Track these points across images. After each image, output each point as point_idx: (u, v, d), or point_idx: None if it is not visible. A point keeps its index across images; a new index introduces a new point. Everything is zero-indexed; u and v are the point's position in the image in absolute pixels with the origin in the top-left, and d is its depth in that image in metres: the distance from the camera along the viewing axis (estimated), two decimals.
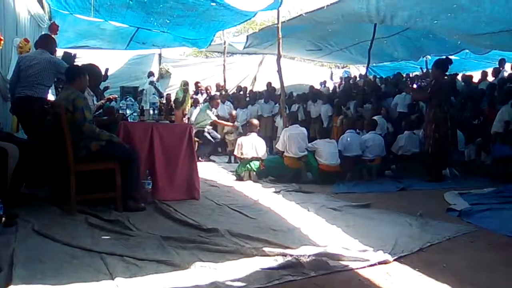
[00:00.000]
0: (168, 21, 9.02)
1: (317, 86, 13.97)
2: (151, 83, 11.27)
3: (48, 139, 4.24)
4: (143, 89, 11.04)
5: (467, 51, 11.31)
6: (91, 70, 4.72)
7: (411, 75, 14.46)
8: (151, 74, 11.41)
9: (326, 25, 10.61)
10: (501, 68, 10.39)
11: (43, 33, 6.74)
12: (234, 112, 9.56)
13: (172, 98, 11.90)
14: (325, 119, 9.79)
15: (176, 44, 11.79)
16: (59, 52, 8.19)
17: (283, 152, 6.53)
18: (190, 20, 9.18)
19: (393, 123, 8.41)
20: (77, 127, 3.91)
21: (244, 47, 12.28)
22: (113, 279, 2.45)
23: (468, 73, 11.03)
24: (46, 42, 5.12)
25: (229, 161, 8.76)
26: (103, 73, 5.48)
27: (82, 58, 10.24)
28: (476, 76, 10.68)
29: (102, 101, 5.25)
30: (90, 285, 2.38)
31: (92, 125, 4.00)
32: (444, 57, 6.99)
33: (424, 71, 13.56)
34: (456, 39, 9.15)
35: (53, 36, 6.56)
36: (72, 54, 6.29)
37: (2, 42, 4.72)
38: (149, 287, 2.37)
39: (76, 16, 9.06)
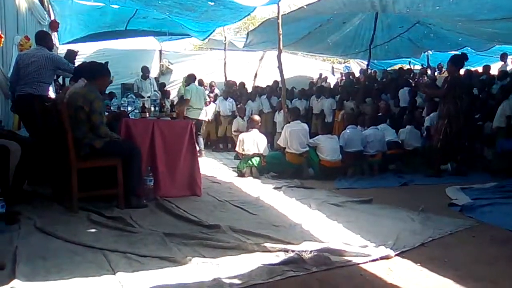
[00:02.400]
0: (167, 13, 8.97)
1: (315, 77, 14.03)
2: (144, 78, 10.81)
3: (50, 136, 4.25)
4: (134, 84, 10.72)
5: (468, 48, 11.27)
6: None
7: (412, 67, 14.46)
8: (145, 70, 10.89)
9: (326, 38, 10.62)
10: (503, 63, 10.37)
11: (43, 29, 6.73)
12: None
13: (173, 94, 11.86)
14: (329, 114, 9.76)
15: (177, 29, 11.55)
16: (63, 49, 8.17)
17: (285, 148, 6.52)
18: (188, 19, 9.17)
19: (391, 118, 8.39)
20: (91, 127, 3.94)
21: (245, 45, 12.24)
22: (115, 275, 2.46)
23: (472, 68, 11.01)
24: (43, 38, 5.11)
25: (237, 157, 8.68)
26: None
27: (84, 55, 10.26)
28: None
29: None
30: (93, 280, 2.39)
31: (107, 128, 4.04)
32: (459, 52, 6.95)
33: (425, 67, 13.55)
34: (457, 28, 9.08)
35: (54, 33, 6.56)
36: (75, 51, 6.28)
37: (2, 39, 4.71)
38: (151, 283, 2.38)
39: (77, 1, 8.94)
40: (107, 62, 5.90)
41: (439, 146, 6.32)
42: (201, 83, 11.86)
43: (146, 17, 10.73)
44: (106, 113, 4.81)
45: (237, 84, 12.17)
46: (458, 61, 6.46)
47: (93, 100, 3.94)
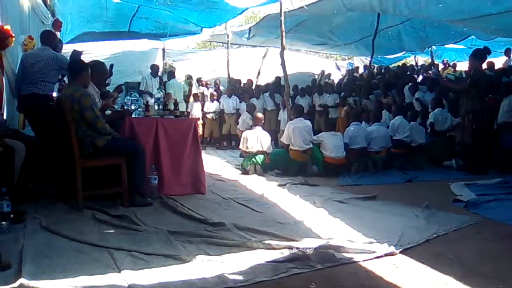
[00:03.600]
0: (169, 3, 9.00)
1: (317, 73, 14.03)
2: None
3: (54, 136, 4.26)
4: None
5: (473, 37, 11.22)
6: (97, 66, 4.71)
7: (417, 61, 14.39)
8: (156, 68, 10.97)
9: (330, 19, 10.56)
10: (507, 58, 10.32)
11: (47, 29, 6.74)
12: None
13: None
14: (332, 110, 9.74)
15: (179, 25, 11.58)
16: (69, 49, 8.17)
17: (288, 145, 6.51)
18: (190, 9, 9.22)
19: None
20: (89, 125, 3.94)
21: (248, 39, 12.24)
22: (120, 273, 2.48)
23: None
24: (48, 38, 5.12)
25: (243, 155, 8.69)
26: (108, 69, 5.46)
27: (90, 54, 10.25)
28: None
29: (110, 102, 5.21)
30: (98, 278, 2.41)
31: (104, 122, 4.03)
32: (482, 47, 6.80)
33: (430, 61, 13.49)
34: (461, 26, 9.02)
35: (57, 32, 6.57)
36: (80, 52, 6.29)
37: (13, 39, 4.71)
38: (156, 281, 2.40)
39: None
40: (112, 65, 5.93)
41: (471, 143, 6.22)
42: (200, 82, 11.95)
43: (148, 17, 10.73)
44: (110, 112, 4.83)
45: (245, 82, 12.25)
46: (481, 54, 6.37)
47: (80, 98, 3.91)
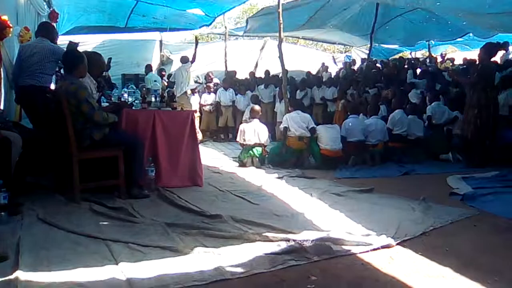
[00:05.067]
0: None
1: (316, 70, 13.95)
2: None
3: (52, 128, 4.24)
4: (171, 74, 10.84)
5: (471, 34, 11.21)
6: (94, 58, 4.68)
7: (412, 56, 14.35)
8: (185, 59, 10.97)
9: (327, 19, 10.57)
10: (505, 52, 10.30)
11: (43, 20, 6.69)
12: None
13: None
14: (331, 103, 9.74)
15: (178, 23, 11.53)
16: (62, 40, 8.13)
17: (286, 137, 6.48)
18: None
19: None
20: (86, 118, 3.92)
21: (244, 32, 12.20)
22: (117, 265, 2.48)
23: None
24: (46, 30, 5.09)
25: None
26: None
27: (86, 45, 10.21)
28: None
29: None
30: (95, 270, 2.41)
31: (101, 112, 4.00)
32: (496, 41, 6.66)
33: (427, 55, 13.48)
34: (459, 18, 9.02)
35: (53, 23, 6.52)
36: (76, 43, 6.25)
37: (12, 29, 4.67)
38: (153, 273, 2.40)
39: None
40: (110, 58, 5.89)
41: (470, 137, 6.17)
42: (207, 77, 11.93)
43: (145, 15, 10.66)
44: (107, 104, 4.81)
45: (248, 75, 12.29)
46: (491, 49, 6.28)
47: (76, 91, 3.89)
